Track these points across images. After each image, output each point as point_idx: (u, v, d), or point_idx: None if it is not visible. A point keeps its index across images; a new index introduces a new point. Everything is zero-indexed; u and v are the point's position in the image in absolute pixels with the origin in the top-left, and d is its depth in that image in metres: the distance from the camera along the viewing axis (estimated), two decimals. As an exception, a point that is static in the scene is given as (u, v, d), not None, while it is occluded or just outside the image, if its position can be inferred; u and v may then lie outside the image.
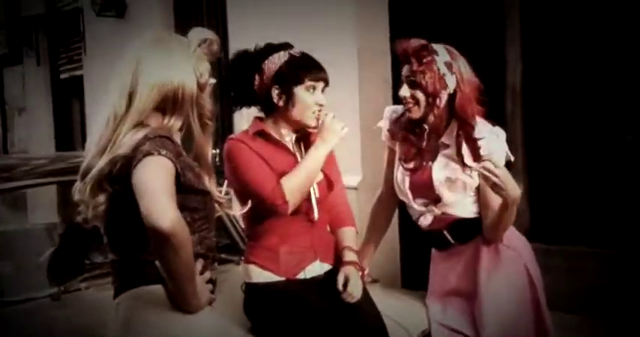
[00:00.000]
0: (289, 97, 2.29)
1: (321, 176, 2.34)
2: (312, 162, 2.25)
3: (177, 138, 1.79)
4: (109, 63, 8.06)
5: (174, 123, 1.77)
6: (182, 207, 1.67)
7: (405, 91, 2.30)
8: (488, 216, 2.31)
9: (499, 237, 2.34)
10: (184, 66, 1.76)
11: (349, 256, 2.35)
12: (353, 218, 2.47)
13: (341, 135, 2.26)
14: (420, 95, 2.28)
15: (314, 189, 2.31)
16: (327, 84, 2.33)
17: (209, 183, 1.82)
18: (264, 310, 2.28)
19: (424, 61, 2.25)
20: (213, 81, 1.84)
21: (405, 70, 2.31)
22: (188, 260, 1.63)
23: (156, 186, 1.59)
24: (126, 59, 1.77)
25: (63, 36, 8.88)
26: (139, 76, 1.73)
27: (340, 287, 2.24)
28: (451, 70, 2.28)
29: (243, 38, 5.59)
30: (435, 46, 2.30)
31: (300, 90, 2.28)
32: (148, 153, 1.62)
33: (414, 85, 2.28)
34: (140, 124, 1.71)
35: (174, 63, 1.75)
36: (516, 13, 4.16)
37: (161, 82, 1.73)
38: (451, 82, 2.28)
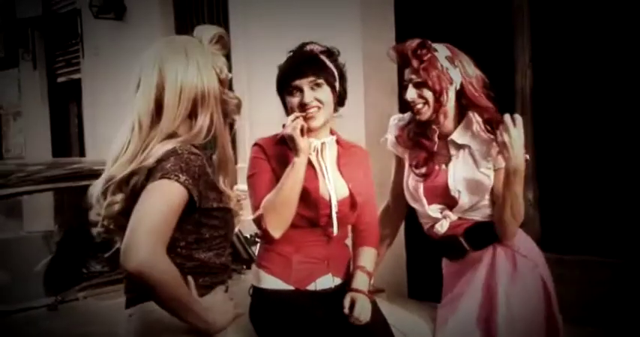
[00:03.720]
0: (284, 104, 2.34)
1: (346, 193, 2.34)
2: (285, 180, 2.20)
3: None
4: (107, 66, 8.17)
5: (204, 125, 1.76)
6: (200, 224, 1.69)
7: (411, 93, 2.31)
8: (499, 201, 2.29)
9: (510, 230, 2.32)
10: (205, 65, 1.76)
11: (358, 281, 2.33)
12: (376, 239, 2.46)
13: (306, 144, 2.19)
14: (428, 93, 2.29)
15: (335, 205, 2.30)
16: (317, 77, 2.29)
17: (227, 185, 1.81)
18: (270, 317, 2.29)
19: (424, 58, 2.26)
20: (230, 75, 1.85)
21: (407, 73, 2.32)
22: (170, 296, 1.60)
23: (145, 220, 1.58)
24: (145, 64, 1.76)
25: (60, 38, 8.89)
26: (164, 81, 1.73)
27: (346, 310, 2.24)
28: (453, 64, 2.29)
29: (245, 42, 5.62)
30: (434, 44, 2.31)
31: (287, 96, 2.32)
32: (165, 176, 1.62)
33: (419, 85, 2.29)
34: (171, 135, 1.71)
35: (195, 64, 1.75)
36: (526, 17, 4.16)
37: (188, 86, 1.73)
38: (456, 76, 2.29)
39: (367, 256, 2.41)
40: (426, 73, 2.26)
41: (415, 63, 2.27)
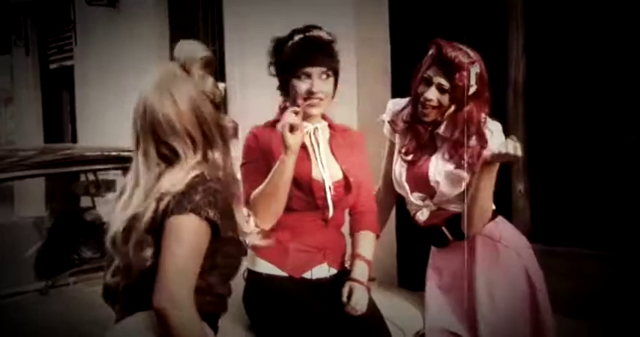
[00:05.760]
0: (285, 85, 2.32)
1: (340, 175, 2.34)
2: (273, 175, 2.19)
3: None
4: (100, 53, 8.10)
5: (215, 154, 1.75)
6: (216, 251, 1.70)
7: (433, 94, 2.31)
8: (469, 194, 2.31)
9: (476, 224, 2.33)
10: (193, 96, 1.74)
11: (357, 271, 2.33)
12: (374, 222, 2.45)
13: (295, 141, 2.15)
14: (445, 100, 2.31)
15: (329, 188, 2.31)
16: (329, 69, 2.29)
17: (238, 208, 1.80)
18: (263, 302, 2.30)
19: (464, 73, 2.27)
20: (223, 85, 1.82)
21: (435, 73, 2.31)
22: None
23: (177, 261, 1.62)
24: (137, 108, 1.75)
25: (53, 25, 8.85)
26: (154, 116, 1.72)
27: (344, 299, 2.25)
28: (476, 80, 2.30)
29: (239, 28, 5.61)
30: (474, 55, 2.31)
31: (293, 79, 2.29)
32: (195, 211, 1.63)
33: (443, 91, 2.30)
34: (198, 163, 1.71)
35: (183, 98, 1.72)
36: (519, 7, 4.16)
37: (183, 119, 1.71)
38: (472, 90, 2.31)
39: (366, 242, 2.41)
40: (459, 86, 2.27)
41: (456, 73, 2.27)
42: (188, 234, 1.64)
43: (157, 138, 1.72)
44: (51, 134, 9.13)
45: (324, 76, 2.28)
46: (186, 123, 1.71)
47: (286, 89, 2.34)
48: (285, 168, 2.16)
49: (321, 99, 2.28)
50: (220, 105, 1.80)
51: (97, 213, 3.52)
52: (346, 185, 2.35)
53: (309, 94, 2.26)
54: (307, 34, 2.34)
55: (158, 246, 1.67)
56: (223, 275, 1.78)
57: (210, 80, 1.78)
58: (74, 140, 8.27)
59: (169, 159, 1.72)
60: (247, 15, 5.51)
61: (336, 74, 2.33)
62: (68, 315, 2.41)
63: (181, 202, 1.64)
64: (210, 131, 1.74)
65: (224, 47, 5.88)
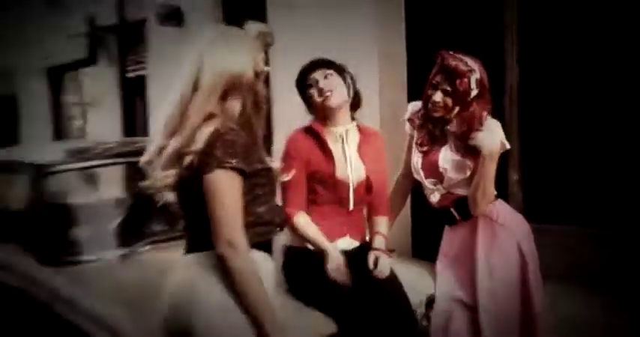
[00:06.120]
0: (307, 101, 2.36)
1: (363, 177, 2.35)
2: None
3: None
4: (168, 64, 8.19)
5: (235, 107, 1.69)
6: (252, 184, 1.65)
7: (438, 97, 2.29)
8: (474, 180, 2.28)
9: (480, 205, 2.30)
10: (243, 56, 1.69)
11: (377, 242, 2.36)
12: (388, 209, 2.48)
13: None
14: (449, 101, 2.28)
15: (352, 187, 2.32)
16: (327, 69, 2.32)
17: (257, 146, 1.73)
18: (298, 271, 2.30)
19: (464, 79, 2.25)
20: (268, 69, 1.79)
21: (440, 79, 2.28)
22: (244, 280, 1.57)
23: (224, 213, 1.57)
24: (191, 54, 1.70)
25: (130, 42, 8.94)
26: (203, 66, 1.66)
27: (371, 265, 2.26)
28: (477, 86, 2.27)
29: (279, 42, 5.60)
30: (472, 64, 2.28)
31: (307, 91, 2.34)
32: (220, 166, 1.58)
33: (447, 93, 2.28)
34: (210, 116, 1.64)
35: (234, 53, 1.68)
36: (514, 25, 4.11)
37: (223, 70, 1.66)
38: (473, 94, 2.28)
39: (381, 223, 2.43)
40: (460, 90, 2.25)
41: (457, 79, 2.25)
42: (221, 186, 1.58)
43: (212, 90, 1.65)
44: (128, 130, 9.24)
45: (327, 76, 2.31)
46: (242, 79, 1.66)
47: (308, 103, 2.36)
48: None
49: (330, 93, 2.29)
50: (260, 75, 1.74)
51: (164, 194, 3.55)
52: (367, 185, 2.35)
53: (320, 92, 2.29)
54: (312, 60, 2.39)
55: (190, 198, 1.62)
56: (265, 202, 1.71)
57: (261, 53, 1.74)
58: (147, 134, 8.35)
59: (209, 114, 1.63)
60: (285, 33, 5.50)
61: (340, 75, 2.33)
62: (142, 276, 2.44)
63: (206, 160, 1.58)
64: (241, 91, 1.68)
65: (268, 61, 5.86)
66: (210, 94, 1.65)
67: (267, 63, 1.80)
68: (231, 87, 1.67)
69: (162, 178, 1.67)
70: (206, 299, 1.59)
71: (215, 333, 1.58)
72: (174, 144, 1.63)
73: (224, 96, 1.67)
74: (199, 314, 1.59)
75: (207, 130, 1.61)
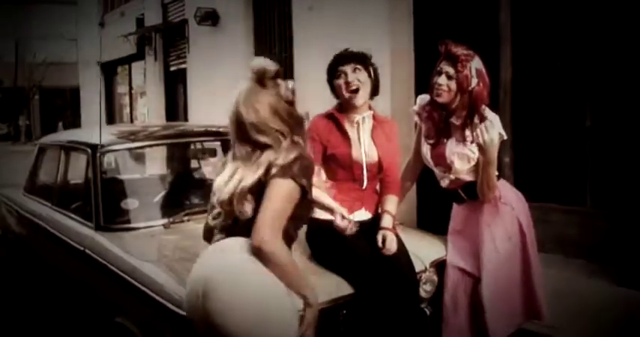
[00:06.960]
0: (333, 88, 2.32)
1: (376, 159, 2.31)
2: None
3: None
4: (205, 59, 8.20)
5: (298, 138, 1.70)
6: (299, 207, 1.66)
7: (442, 80, 2.24)
8: (479, 177, 2.26)
9: (487, 195, 2.27)
10: (270, 102, 1.68)
11: (386, 221, 2.31)
12: (398, 190, 2.43)
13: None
14: (453, 85, 2.23)
15: (365, 167, 2.29)
16: (357, 64, 2.27)
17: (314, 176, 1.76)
18: (321, 239, 2.28)
19: (464, 63, 2.19)
20: (292, 83, 1.74)
21: (444, 65, 2.23)
22: (282, 270, 1.58)
23: (273, 211, 1.58)
24: (230, 117, 1.70)
25: (173, 39, 8.93)
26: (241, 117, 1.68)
27: (380, 244, 2.24)
28: (477, 74, 2.22)
29: (304, 39, 5.55)
30: (473, 53, 2.23)
31: (334, 80, 2.30)
32: (293, 177, 1.61)
33: (450, 77, 2.22)
34: (293, 143, 1.67)
35: (262, 106, 1.67)
36: (508, 27, 4.03)
37: (266, 121, 1.67)
38: (474, 83, 2.22)
39: (391, 202, 2.38)
40: (461, 74, 2.19)
41: (459, 65, 2.19)
42: (286, 192, 1.61)
43: (247, 136, 1.67)
44: (170, 115, 9.29)
45: (356, 70, 2.26)
46: (269, 123, 1.66)
47: (334, 90, 2.32)
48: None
49: (357, 88, 2.24)
50: (293, 101, 1.72)
51: (202, 171, 3.55)
52: (379, 166, 2.33)
53: (347, 84, 2.24)
54: (342, 51, 2.34)
55: (257, 203, 1.62)
56: (297, 225, 1.74)
57: (282, 85, 1.70)
58: (186, 119, 8.37)
59: (262, 146, 1.66)
60: (309, 30, 5.46)
61: (366, 68, 2.27)
62: (182, 242, 2.45)
63: (285, 171, 1.61)
64: (289, 122, 1.68)
65: (293, 53, 5.83)
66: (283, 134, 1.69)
67: (287, 76, 1.75)
68: (287, 123, 1.69)
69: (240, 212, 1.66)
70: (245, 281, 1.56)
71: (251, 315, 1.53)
72: (248, 180, 1.65)
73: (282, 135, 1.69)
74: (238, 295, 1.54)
75: (292, 154, 1.64)
